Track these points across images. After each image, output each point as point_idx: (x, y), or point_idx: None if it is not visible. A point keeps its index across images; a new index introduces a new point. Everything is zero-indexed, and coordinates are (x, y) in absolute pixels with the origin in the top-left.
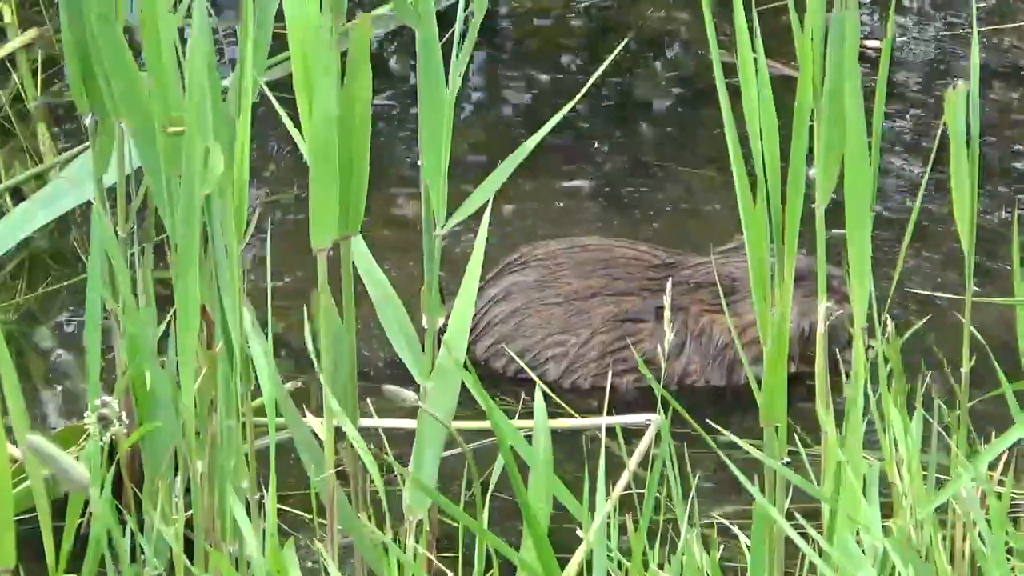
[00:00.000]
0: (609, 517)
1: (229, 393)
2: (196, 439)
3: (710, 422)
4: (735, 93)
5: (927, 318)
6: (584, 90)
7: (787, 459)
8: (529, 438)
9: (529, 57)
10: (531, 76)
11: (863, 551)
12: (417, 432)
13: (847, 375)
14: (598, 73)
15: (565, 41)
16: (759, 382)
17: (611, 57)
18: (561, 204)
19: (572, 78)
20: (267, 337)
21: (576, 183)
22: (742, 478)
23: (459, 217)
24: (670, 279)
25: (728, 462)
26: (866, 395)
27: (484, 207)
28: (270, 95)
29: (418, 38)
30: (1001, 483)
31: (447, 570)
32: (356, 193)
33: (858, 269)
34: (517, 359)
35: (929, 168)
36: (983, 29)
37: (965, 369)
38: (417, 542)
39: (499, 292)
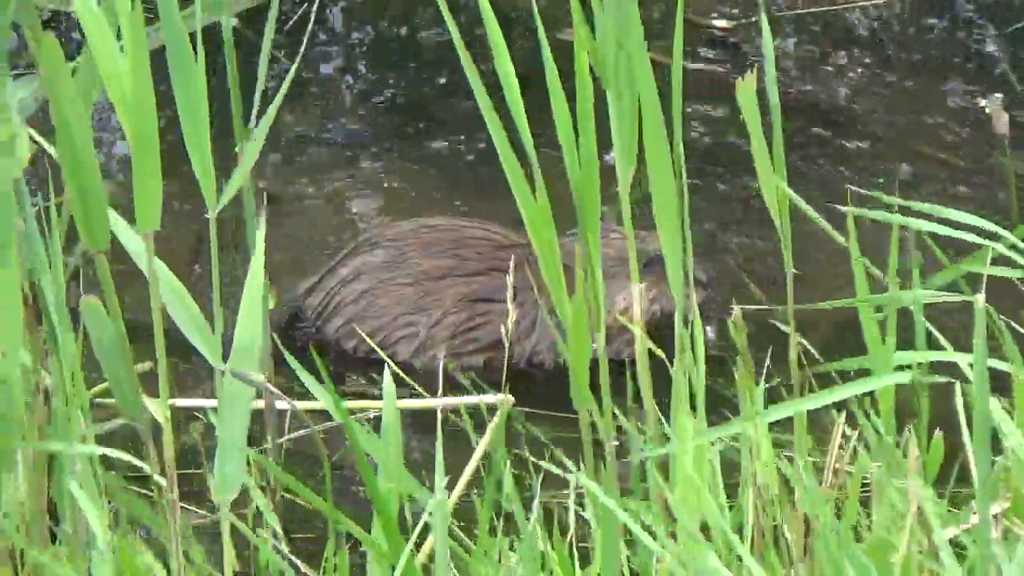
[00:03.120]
0: (462, 498)
1: (62, 378)
2: (28, 424)
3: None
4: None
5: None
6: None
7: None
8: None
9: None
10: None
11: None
12: (219, 409)
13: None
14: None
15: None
16: (613, 362)
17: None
18: (407, 184)
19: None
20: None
21: (424, 163)
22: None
23: (227, 197)
24: (514, 259)
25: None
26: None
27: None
28: None
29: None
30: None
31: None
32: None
33: (671, 250)
34: (368, 339)
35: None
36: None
37: (793, 355)
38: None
39: (349, 273)
